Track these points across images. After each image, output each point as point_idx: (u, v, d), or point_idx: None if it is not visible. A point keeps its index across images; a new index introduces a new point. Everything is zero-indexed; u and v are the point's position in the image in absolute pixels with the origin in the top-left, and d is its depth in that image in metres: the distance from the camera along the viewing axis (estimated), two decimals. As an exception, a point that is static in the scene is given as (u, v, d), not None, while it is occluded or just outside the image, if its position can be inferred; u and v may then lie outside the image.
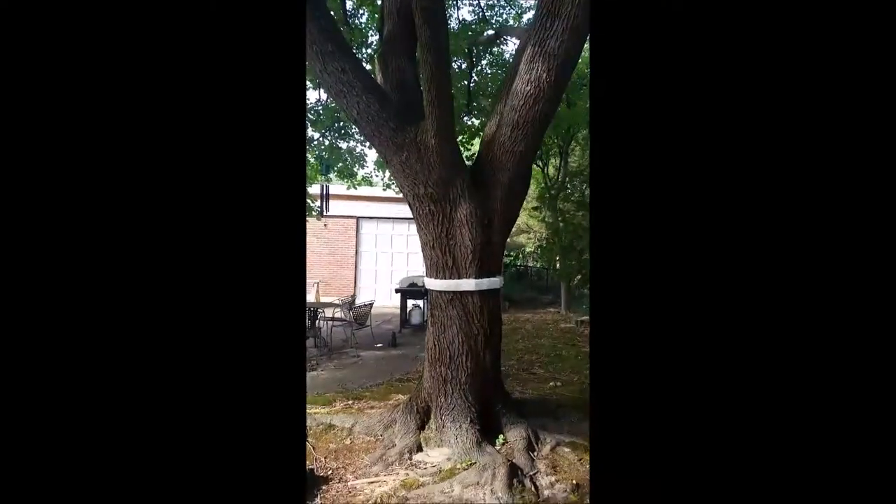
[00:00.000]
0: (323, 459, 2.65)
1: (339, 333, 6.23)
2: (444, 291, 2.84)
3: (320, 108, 6.21)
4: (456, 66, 5.61)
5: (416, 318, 7.24)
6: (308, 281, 8.68)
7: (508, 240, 4.01)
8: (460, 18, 6.24)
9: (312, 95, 6.12)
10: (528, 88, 2.55)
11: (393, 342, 6.18)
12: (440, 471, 2.50)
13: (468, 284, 2.78)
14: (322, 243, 10.33)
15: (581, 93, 6.89)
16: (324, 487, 2.35)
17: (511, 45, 7.39)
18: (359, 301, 7.11)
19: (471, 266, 2.78)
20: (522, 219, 11.12)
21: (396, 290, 7.51)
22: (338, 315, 6.44)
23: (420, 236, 2.95)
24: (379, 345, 6.10)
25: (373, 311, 6.43)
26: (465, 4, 11.79)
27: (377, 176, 8.74)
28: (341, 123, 6.48)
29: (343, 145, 7.02)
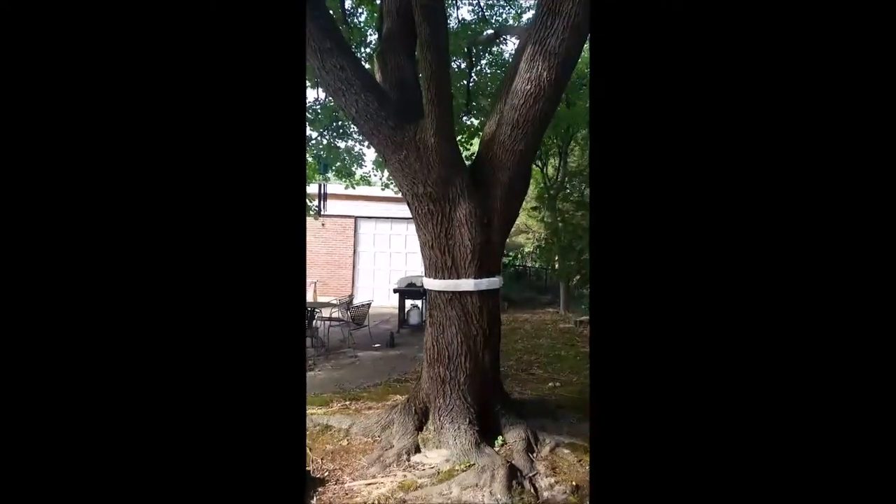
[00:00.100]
0: (320, 461, 2.64)
1: (336, 333, 6.21)
2: (443, 291, 2.82)
3: (318, 106, 6.19)
4: (455, 66, 5.62)
5: (414, 319, 7.24)
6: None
7: (507, 240, 4.00)
8: (460, 18, 6.25)
9: (311, 94, 6.10)
10: (528, 87, 2.55)
11: (391, 342, 6.17)
12: (438, 472, 2.49)
13: (467, 284, 2.77)
14: (320, 243, 10.32)
15: (581, 93, 6.90)
16: (320, 489, 2.33)
17: (511, 45, 7.41)
18: (357, 301, 7.11)
19: (470, 266, 2.77)
20: (521, 219, 11.13)
21: (395, 290, 7.50)
22: (335, 315, 6.43)
23: (419, 236, 2.94)
24: (377, 345, 6.09)
25: (371, 311, 6.42)
26: (465, 4, 11.84)
27: (375, 175, 8.73)
28: (339, 122, 6.47)
29: (341, 144, 7.01)
